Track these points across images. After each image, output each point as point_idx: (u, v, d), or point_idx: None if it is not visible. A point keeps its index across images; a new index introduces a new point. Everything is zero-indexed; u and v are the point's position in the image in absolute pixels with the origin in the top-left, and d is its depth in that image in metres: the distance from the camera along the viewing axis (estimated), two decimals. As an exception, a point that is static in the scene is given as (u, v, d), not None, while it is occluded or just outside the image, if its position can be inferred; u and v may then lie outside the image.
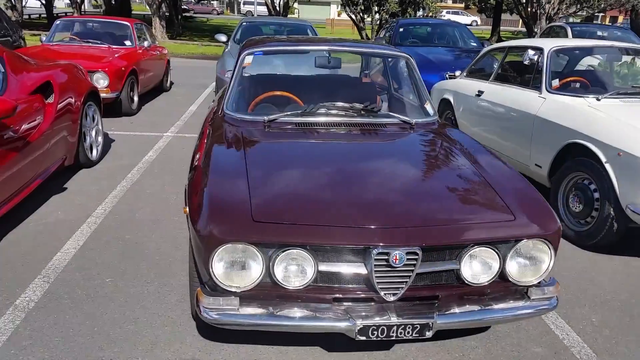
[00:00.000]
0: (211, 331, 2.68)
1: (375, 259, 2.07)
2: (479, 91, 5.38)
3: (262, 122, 3.19)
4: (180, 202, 4.41)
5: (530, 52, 4.77)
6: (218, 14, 49.76)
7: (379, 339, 2.14)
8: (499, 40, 14.15)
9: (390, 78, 4.32)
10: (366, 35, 21.32)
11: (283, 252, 2.11)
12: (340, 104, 3.31)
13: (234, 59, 8.00)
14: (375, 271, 2.08)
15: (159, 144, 6.27)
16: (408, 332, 2.13)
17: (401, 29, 10.18)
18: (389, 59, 4.21)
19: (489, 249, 2.18)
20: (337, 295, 2.18)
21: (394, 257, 2.05)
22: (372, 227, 2.12)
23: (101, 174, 5.02)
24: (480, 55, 6.00)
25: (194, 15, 36.92)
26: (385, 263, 2.07)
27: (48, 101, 4.42)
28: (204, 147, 3.09)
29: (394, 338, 2.15)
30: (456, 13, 46.49)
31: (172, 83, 10.44)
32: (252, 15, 46.43)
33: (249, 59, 3.59)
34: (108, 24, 8.77)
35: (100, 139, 5.46)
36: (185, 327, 2.75)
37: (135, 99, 7.82)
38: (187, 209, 2.36)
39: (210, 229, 2.12)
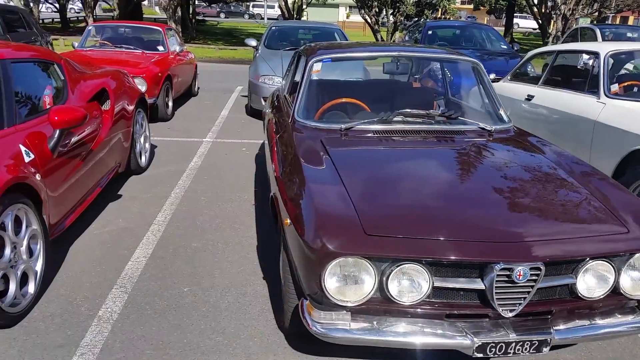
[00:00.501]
0: (301, 343, 2.66)
1: (498, 275, 2.03)
2: (528, 95, 5.33)
3: (339, 130, 3.16)
4: (237, 210, 4.39)
5: (585, 56, 4.73)
6: (226, 18, 49.79)
7: (496, 356, 2.10)
8: (512, 41, 14.03)
9: (448, 83, 4.28)
10: (381, 37, 21.28)
11: (397, 266, 2.07)
12: (416, 110, 3.28)
13: (267, 63, 8.05)
14: (496, 287, 2.04)
15: (201, 149, 6.25)
16: (526, 349, 2.10)
17: (429, 32, 10.13)
18: (452, 64, 4.17)
19: (605, 263, 2.14)
20: (450, 311, 2.14)
21: (518, 273, 2.01)
22: (495, 241, 2.08)
23: (152, 181, 5.01)
24: (526, 58, 5.96)
25: (205, 18, 36.96)
26: (506, 279, 2.04)
27: (104, 108, 4.41)
28: (281, 156, 3.05)
29: (511, 354, 2.11)
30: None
31: (198, 88, 10.44)
32: (262, 18, 46.54)
33: (317, 66, 3.56)
34: (140, 29, 8.77)
35: (147, 145, 5.45)
36: (274, 339, 2.72)
37: (170, 104, 7.82)
38: (289, 221, 2.33)
39: (323, 242, 2.08)
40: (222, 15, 49.81)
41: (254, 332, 2.76)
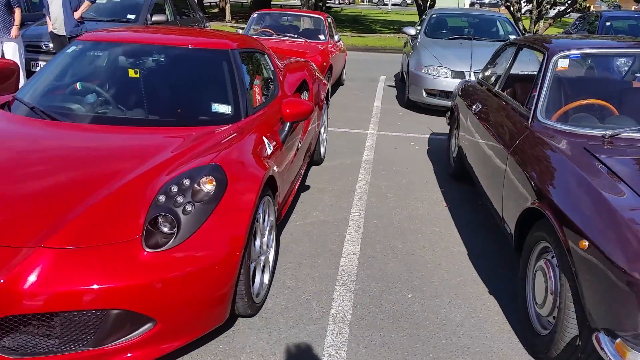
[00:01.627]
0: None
1: None
2: None
3: (601, 137, 2.81)
4: (430, 211, 4.21)
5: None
6: (350, 4, 49.81)
7: None
8: None
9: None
10: (523, 26, 20.02)
11: None
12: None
13: (431, 53, 7.73)
14: None
15: (368, 142, 6.15)
16: None
17: (607, 23, 9.24)
18: None
19: None
20: None
21: None
22: None
23: (333, 173, 4.98)
24: None
25: (332, 5, 37.23)
26: None
27: (304, 98, 4.41)
28: (534, 163, 2.76)
29: None
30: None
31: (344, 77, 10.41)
32: (386, 4, 45.93)
33: (564, 63, 3.21)
34: (301, 17, 8.84)
35: (326, 136, 5.44)
36: (526, 365, 2.50)
37: (328, 94, 7.81)
38: (586, 243, 2.08)
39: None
40: (345, 1, 49.90)
41: (502, 355, 2.56)
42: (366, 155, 5.64)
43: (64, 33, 6.53)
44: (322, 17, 8.55)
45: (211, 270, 2.19)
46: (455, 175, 4.91)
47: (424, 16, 10.05)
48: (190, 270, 2.14)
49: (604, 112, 3.19)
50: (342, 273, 3.20)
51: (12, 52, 6.57)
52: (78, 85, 3.35)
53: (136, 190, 2.30)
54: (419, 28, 9.14)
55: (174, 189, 2.29)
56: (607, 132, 2.81)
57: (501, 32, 8.93)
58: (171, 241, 2.15)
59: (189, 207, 2.23)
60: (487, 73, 4.71)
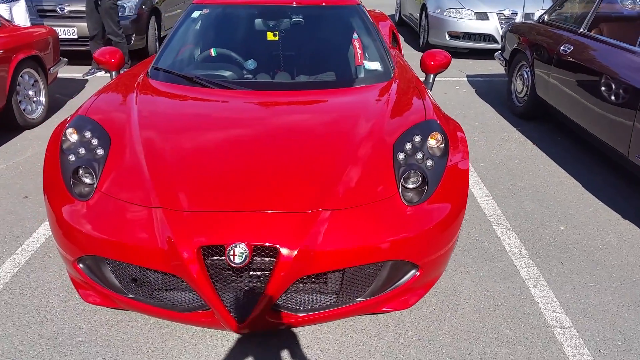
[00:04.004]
0: None
1: None
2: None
3: None
4: (522, 149, 4.47)
5: None
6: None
7: None
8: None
9: None
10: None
11: None
12: None
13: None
14: None
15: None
16: None
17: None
18: None
19: None
20: None
21: None
22: None
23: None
24: None
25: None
26: None
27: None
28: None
29: None
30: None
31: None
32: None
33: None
34: None
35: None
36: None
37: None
38: None
39: None
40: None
41: (672, 269, 2.90)
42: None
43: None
44: None
45: (454, 217, 2.37)
46: (523, 114, 5.17)
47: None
48: (441, 219, 2.31)
49: None
50: (489, 214, 3.44)
51: (24, 16, 6.22)
52: (213, 52, 3.33)
53: (371, 150, 2.41)
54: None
55: (409, 146, 2.42)
56: None
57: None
58: (424, 195, 2.30)
59: (429, 162, 2.38)
60: (555, 14, 4.91)
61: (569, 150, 4.49)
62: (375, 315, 2.48)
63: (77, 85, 6.28)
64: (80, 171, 2.36)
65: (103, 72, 6.71)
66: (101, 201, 2.23)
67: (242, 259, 1.99)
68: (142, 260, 2.07)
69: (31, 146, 4.49)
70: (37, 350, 2.28)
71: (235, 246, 1.99)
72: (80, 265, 2.26)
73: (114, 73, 3.35)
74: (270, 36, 3.34)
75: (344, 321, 2.45)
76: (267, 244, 2.01)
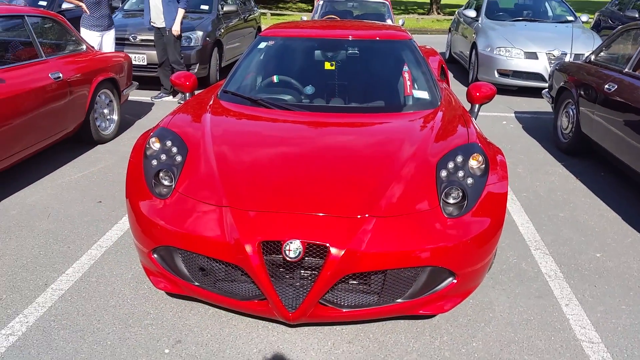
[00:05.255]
0: None
1: None
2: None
3: None
4: (565, 183, 4.60)
5: None
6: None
7: None
8: None
9: None
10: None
11: None
12: None
13: (498, 33, 8.04)
14: None
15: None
16: None
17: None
18: None
19: None
20: None
21: None
22: None
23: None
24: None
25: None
26: None
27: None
28: None
29: None
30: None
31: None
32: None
33: None
34: (368, 3, 9.13)
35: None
36: None
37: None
38: None
39: None
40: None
41: None
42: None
43: (163, 25, 6.79)
44: (387, 3, 8.84)
45: (492, 232, 2.56)
46: (568, 150, 5.30)
47: (473, -1, 10.33)
48: (478, 233, 2.51)
49: None
50: (528, 239, 3.59)
51: (111, 43, 6.86)
52: (275, 78, 3.68)
53: (415, 167, 2.66)
54: (475, 11, 9.40)
55: (451, 165, 2.65)
56: None
57: (557, 13, 9.28)
58: (463, 209, 2.52)
59: (470, 180, 2.61)
60: (602, 55, 5.08)
61: (611, 185, 4.59)
62: (413, 320, 2.69)
63: (145, 108, 6.83)
64: (161, 174, 2.71)
65: (171, 97, 7.26)
66: (179, 200, 2.56)
67: (297, 254, 2.25)
68: (210, 251, 2.37)
69: (104, 158, 4.96)
70: (111, 328, 2.60)
71: (291, 242, 2.26)
72: (155, 255, 2.59)
73: (187, 94, 3.75)
74: (327, 65, 3.68)
75: (384, 323, 2.66)
76: (318, 242, 2.27)
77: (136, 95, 7.17)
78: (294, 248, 2.26)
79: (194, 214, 2.47)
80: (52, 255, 3.25)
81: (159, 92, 7.29)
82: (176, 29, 6.73)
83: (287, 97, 3.49)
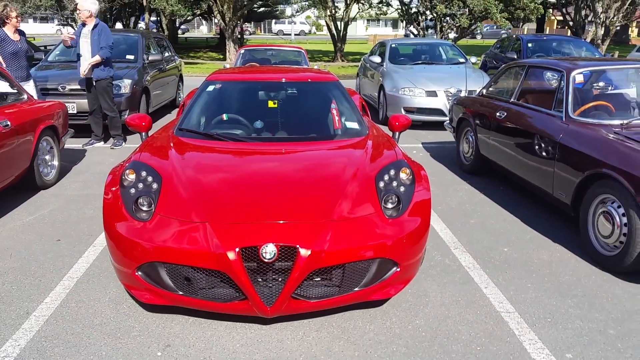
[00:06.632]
0: None
1: None
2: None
3: (620, 125, 4.16)
4: (471, 196, 5.40)
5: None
6: (250, 34, 51.24)
7: None
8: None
9: None
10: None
11: None
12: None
13: (404, 77, 9.06)
14: None
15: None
16: None
17: (530, 44, 11.21)
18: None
19: None
20: None
21: None
22: None
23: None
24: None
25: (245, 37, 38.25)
26: None
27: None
28: (597, 145, 4.05)
29: None
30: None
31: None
32: (289, 34, 47.89)
33: (580, 77, 4.56)
34: (286, 52, 9.87)
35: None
36: None
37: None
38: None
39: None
40: (248, 32, 51.22)
41: (586, 272, 3.76)
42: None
43: (91, 77, 7.04)
44: (302, 50, 9.64)
45: (423, 229, 3.18)
46: (470, 171, 6.18)
47: (375, 47, 11.43)
48: (413, 229, 3.11)
49: (608, 109, 4.59)
50: (448, 241, 4.27)
51: (33, 94, 6.97)
52: (225, 116, 4.18)
53: (359, 181, 3.25)
54: (379, 57, 10.44)
55: (386, 177, 3.27)
56: (624, 120, 4.16)
57: (450, 56, 10.55)
58: (399, 211, 3.13)
59: (402, 189, 3.23)
60: (491, 89, 6.07)
61: (509, 195, 5.46)
62: (366, 308, 3.21)
63: (78, 154, 6.97)
64: (140, 200, 3.08)
65: (102, 143, 7.44)
66: (160, 221, 2.95)
67: (272, 255, 2.72)
68: (196, 261, 2.77)
69: (51, 202, 5.12)
70: (102, 342, 2.89)
71: (266, 246, 2.73)
72: (139, 272, 2.94)
73: (143, 134, 4.14)
74: (271, 104, 4.24)
75: (344, 313, 3.16)
76: (289, 244, 2.76)
77: (68, 143, 7.28)
78: (269, 251, 2.73)
79: (177, 231, 2.88)
80: (26, 289, 3.45)
81: (90, 139, 7.46)
82: (85, 66, 6.88)
83: (239, 132, 3.99)
